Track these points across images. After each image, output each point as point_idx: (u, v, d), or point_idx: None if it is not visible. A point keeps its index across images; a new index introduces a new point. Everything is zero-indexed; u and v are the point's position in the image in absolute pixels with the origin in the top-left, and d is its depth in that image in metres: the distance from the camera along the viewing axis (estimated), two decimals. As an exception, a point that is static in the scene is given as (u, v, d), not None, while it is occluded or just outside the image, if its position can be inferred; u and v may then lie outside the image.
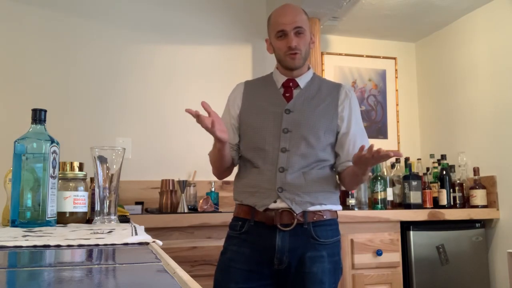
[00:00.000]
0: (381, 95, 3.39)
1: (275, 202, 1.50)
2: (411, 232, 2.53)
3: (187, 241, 2.20)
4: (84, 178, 1.34)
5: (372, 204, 2.74)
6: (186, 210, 2.48)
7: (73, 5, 2.78)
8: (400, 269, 2.49)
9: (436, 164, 2.94)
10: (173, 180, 2.56)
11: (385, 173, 2.84)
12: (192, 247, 2.20)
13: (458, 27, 3.12)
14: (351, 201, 2.67)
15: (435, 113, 3.30)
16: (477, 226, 2.71)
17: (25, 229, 1.02)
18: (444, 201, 2.80)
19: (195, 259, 2.18)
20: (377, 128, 3.35)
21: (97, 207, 1.26)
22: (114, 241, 0.76)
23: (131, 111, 2.79)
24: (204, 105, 1.39)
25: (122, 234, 0.89)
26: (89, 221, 1.33)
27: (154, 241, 0.79)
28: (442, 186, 2.82)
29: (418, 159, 3.10)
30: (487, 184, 2.78)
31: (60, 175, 1.26)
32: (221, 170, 1.65)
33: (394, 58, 3.46)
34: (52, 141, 1.17)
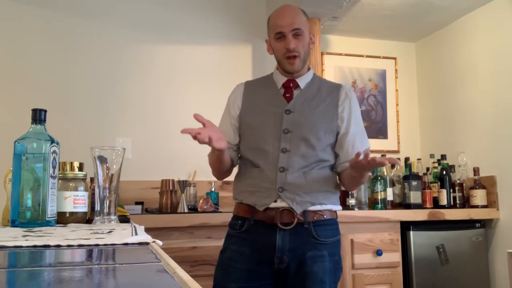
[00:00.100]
0: (381, 95, 3.39)
1: (275, 201, 1.51)
2: (411, 232, 2.53)
3: (187, 241, 2.20)
4: (84, 178, 1.34)
5: (372, 204, 2.74)
6: (186, 210, 2.48)
7: (73, 5, 2.78)
8: (400, 269, 2.49)
9: (436, 164, 2.94)
10: (173, 180, 2.56)
11: (385, 173, 2.84)
12: (192, 247, 2.20)
13: (458, 27, 3.12)
14: (351, 201, 2.67)
15: (435, 113, 3.30)
16: (477, 226, 2.71)
17: (25, 229, 1.02)
18: (444, 201, 2.80)
19: (195, 259, 2.18)
20: (377, 128, 3.35)
21: (97, 207, 1.26)
22: (114, 241, 0.76)
23: (131, 111, 2.79)
24: (197, 117, 1.39)
25: (122, 234, 0.89)
26: (89, 221, 1.33)
27: (154, 241, 0.79)
28: (442, 186, 2.82)
29: (418, 159, 3.10)
30: (487, 184, 2.78)
31: (60, 175, 1.26)
32: (220, 172, 1.66)
33: (394, 58, 3.46)
34: (52, 141, 1.17)
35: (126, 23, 2.85)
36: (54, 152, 1.17)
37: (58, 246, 0.71)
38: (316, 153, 1.54)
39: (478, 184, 2.77)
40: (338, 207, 1.61)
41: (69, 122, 2.65)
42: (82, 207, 1.30)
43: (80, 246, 0.72)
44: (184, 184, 2.54)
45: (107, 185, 1.26)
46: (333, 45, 3.34)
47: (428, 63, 3.41)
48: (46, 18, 2.71)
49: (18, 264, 0.61)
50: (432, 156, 3.02)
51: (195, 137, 1.36)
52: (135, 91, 2.81)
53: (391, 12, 3.02)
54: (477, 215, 2.69)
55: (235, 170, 1.71)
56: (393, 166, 2.95)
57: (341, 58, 3.33)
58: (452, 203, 2.81)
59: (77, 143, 2.44)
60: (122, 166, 1.29)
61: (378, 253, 2.43)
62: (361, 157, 1.37)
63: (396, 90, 3.43)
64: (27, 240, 0.76)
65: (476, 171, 2.78)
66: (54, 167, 1.17)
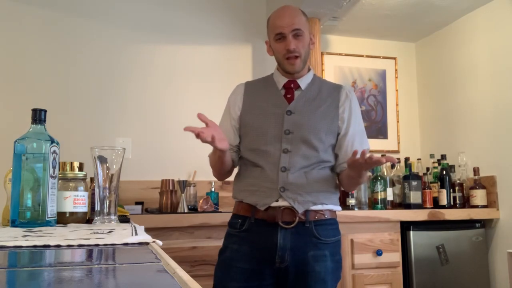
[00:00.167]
0: (381, 95, 3.39)
1: (276, 201, 1.51)
2: (411, 232, 2.53)
3: (187, 241, 2.20)
4: (84, 178, 1.34)
5: (372, 204, 2.74)
6: (186, 210, 2.48)
7: (73, 5, 2.78)
8: (400, 269, 2.49)
9: (436, 164, 2.94)
10: (173, 180, 2.56)
11: (385, 173, 2.84)
12: (192, 247, 2.20)
13: (458, 27, 3.12)
14: (351, 201, 2.67)
15: (435, 113, 3.30)
16: (477, 226, 2.71)
17: (25, 229, 1.02)
18: (444, 201, 2.80)
19: (195, 259, 2.18)
20: (377, 128, 3.35)
21: (97, 207, 1.26)
22: (114, 241, 0.76)
23: (131, 111, 2.79)
24: (201, 116, 1.39)
25: (122, 234, 0.89)
26: (89, 221, 1.33)
27: (154, 241, 0.79)
28: (442, 186, 2.82)
29: (418, 159, 3.10)
30: (487, 184, 2.78)
31: (60, 175, 1.26)
32: (221, 173, 1.66)
33: (394, 58, 3.46)
34: (52, 141, 1.17)
35: (126, 23, 2.85)
36: (54, 152, 1.17)
37: (58, 246, 0.71)
38: (318, 154, 1.54)
39: (478, 184, 2.77)
40: (338, 208, 1.61)
41: (69, 122, 2.65)
42: (82, 207, 1.30)
43: (80, 246, 0.72)
44: (184, 184, 2.54)
45: (107, 185, 1.26)
46: (333, 45, 3.34)
47: (428, 63, 3.41)
48: (46, 18, 2.71)
49: (18, 264, 0.61)
50: (432, 156, 3.02)
51: (198, 136, 1.35)
52: (135, 91, 2.81)
53: (391, 12, 3.02)
54: (477, 215, 2.69)
55: (235, 170, 1.71)
56: (393, 166, 2.95)
57: (341, 58, 3.33)
58: (452, 203, 2.81)
59: (77, 143, 2.44)
60: (122, 166, 1.29)
61: (378, 253, 2.43)
62: (358, 155, 1.37)
63: (396, 90, 3.43)
64: (27, 240, 0.76)
65: (476, 171, 2.78)
66: (54, 167, 1.17)
